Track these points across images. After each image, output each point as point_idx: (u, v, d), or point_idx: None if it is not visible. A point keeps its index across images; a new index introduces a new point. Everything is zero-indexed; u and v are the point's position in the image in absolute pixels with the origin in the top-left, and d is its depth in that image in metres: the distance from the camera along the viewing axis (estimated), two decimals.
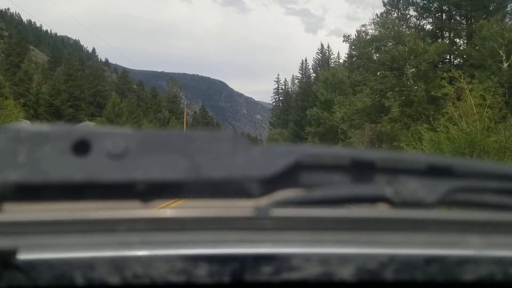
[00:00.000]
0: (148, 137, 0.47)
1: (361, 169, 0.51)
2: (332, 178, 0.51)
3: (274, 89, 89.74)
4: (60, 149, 0.44)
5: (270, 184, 0.48)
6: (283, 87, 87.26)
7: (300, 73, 72.89)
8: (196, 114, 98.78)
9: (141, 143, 0.46)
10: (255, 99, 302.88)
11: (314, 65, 62.27)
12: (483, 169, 0.55)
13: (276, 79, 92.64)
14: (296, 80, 73.45)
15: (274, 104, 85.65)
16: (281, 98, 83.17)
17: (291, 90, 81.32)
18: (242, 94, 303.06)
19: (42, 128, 0.46)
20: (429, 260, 0.45)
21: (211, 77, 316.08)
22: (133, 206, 0.49)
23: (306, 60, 78.85)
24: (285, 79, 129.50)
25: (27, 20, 66.56)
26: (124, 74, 76.99)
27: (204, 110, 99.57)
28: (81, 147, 0.45)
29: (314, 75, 57.99)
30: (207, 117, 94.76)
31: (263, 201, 0.50)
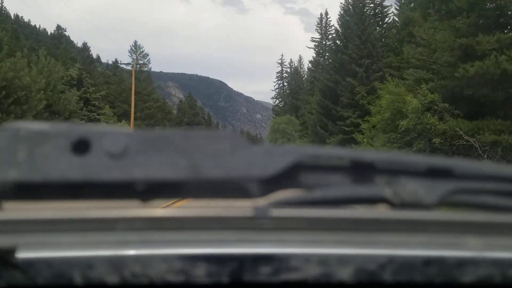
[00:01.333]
0: (147, 136, 0.47)
1: (361, 170, 0.51)
2: (332, 178, 0.51)
3: (277, 72, 69.80)
4: (59, 148, 0.44)
5: (270, 184, 0.48)
6: (288, 70, 68.32)
7: (318, 31, 51.18)
8: (182, 103, 75.31)
9: (141, 142, 0.46)
10: (255, 99, 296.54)
11: (340, 15, 36.49)
12: (482, 170, 0.55)
13: (280, 60, 71.72)
14: (314, 44, 49.99)
15: (277, 91, 67.10)
16: (285, 84, 66.12)
17: (300, 70, 64.06)
18: (242, 94, 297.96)
19: (42, 127, 0.46)
20: (428, 261, 0.45)
21: (210, 76, 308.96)
22: (132, 205, 0.49)
23: (326, 14, 51.84)
24: (290, 59, 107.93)
25: (14, 14, 58.18)
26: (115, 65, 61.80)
27: (192, 98, 75.26)
28: (81, 146, 0.45)
29: (341, 30, 34.39)
30: (195, 107, 73.20)
31: (262, 201, 0.50)
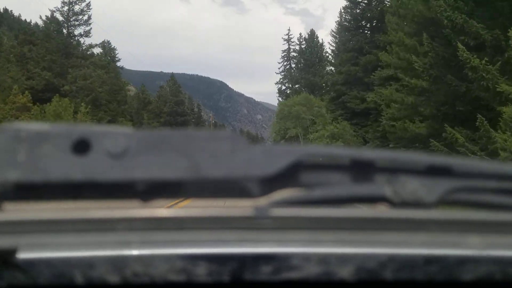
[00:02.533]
0: (148, 136, 0.47)
1: (361, 169, 0.51)
2: (332, 177, 0.51)
3: (283, 51, 55.55)
4: (60, 148, 0.45)
5: (270, 183, 0.48)
6: (297, 48, 53.59)
7: None
8: (162, 89, 58.19)
9: (141, 142, 0.46)
10: (256, 100, 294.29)
11: None
12: (483, 168, 0.55)
13: (286, 36, 56.30)
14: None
15: (283, 74, 53.45)
16: (293, 65, 52.19)
17: (317, 39, 50.60)
18: (243, 94, 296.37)
19: (42, 127, 0.46)
20: (429, 260, 0.45)
21: (211, 77, 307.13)
22: (132, 206, 0.49)
23: None
24: (300, 34, 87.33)
25: (3, 8, 55.36)
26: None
27: (175, 83, 58.19)
28: (81, 146, 0.45)
29: None
30: (179, 94, 56.62)
31: (263, 200, 0.50)
